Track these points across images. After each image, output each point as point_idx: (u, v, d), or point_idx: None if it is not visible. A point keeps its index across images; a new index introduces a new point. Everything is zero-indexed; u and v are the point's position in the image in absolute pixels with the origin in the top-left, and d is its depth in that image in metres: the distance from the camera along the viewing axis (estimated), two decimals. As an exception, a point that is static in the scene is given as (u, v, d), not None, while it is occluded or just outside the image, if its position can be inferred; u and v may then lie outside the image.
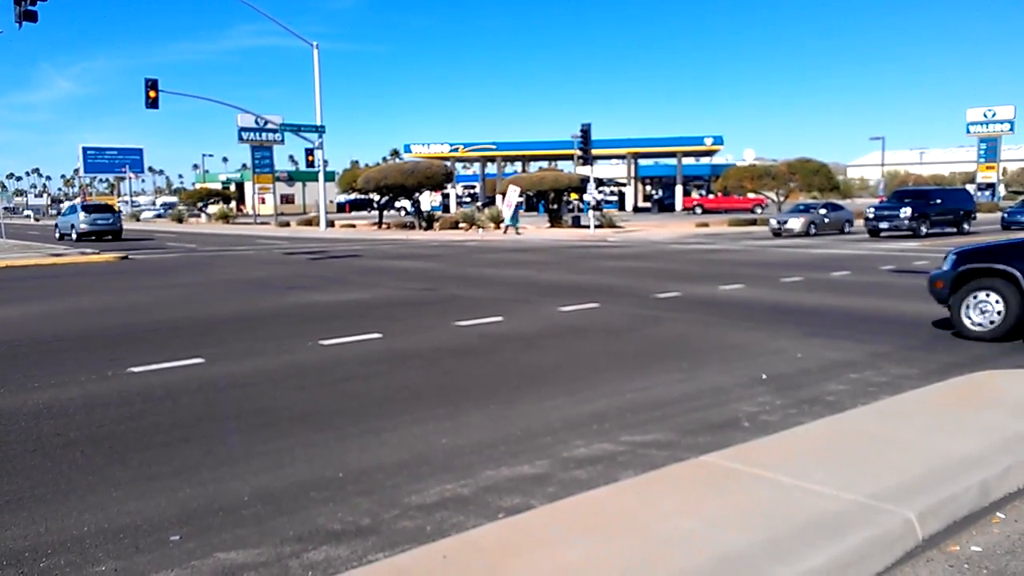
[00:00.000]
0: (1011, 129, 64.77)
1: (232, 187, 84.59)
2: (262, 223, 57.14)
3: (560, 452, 5.53)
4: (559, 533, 3.83)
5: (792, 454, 4.93)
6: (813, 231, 32.73)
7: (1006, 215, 36.62)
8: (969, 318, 9.33)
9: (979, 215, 36.73)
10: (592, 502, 4.28)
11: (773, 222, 33.81)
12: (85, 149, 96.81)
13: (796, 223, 32.71)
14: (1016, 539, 4.06)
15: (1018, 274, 8.95)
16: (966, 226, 32.56)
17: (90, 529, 4.35)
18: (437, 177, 45.00)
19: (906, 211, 30.20)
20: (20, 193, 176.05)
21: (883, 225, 30.70)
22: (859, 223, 34.80)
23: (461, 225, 42.78)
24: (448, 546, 3.79)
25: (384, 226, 46.02)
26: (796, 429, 5.65)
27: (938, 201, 31.93)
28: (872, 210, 32.03)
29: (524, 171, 71.77)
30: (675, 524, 3.90)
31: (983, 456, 4.80)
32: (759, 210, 56.04)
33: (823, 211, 34.27)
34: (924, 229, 30.46)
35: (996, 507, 4.42)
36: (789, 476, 4.49)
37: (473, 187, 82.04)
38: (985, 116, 65.24)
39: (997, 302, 9.09)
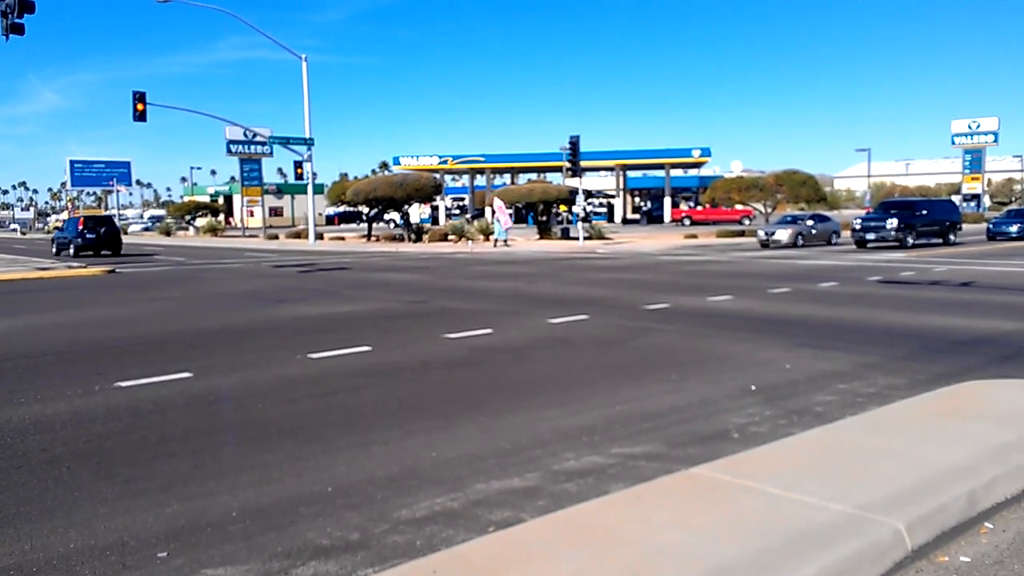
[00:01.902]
0: (995, 140, 65.40)
1: (220, 200, 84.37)
2: (251, 236, 57.00)
3: (550, 465, 5.52)
4: (550, 547, 3.82)
5: (781, 465, 4.94)
6: (800, 242, 32.90)
7: (991, 226, 36.92)
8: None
9: (965, 226, 37.00)
10: (582, 515, 4.27)
11: (761, 233, 33.96)
12: (72, 162, 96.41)
13: (784, 234, 32.89)
14: (1004, 549, 4.08)
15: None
16: (952, 237, 32.77)
17: (76, 546, 4.31)
18: (426, 189, 45.04)
19: (892, 222, 30.37)
20: (6, 207, 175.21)
21: (870, 236, 30.87)
22: (846, 234, 35.05)
23: (450, 237, 42.80)
24: (438, 561, 3.77)
25: (373, 239, 45.99)
26: (785, 440, 5.66)
27: (924, 212, 32.15)
28: (859, 221, 32.18)
29: (513, 183, 71.91)
30: (666, 536, 3.89)
31: (971, 466, 4.83)
32: (747, 221, 56.32)
33: (810, 222, 34.46)
34: (910, 240, 30.62)
35: (984, 517, 4.44)
36: (778, 487, 4.50)
37: (462, 199, 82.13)
38: (970, 127, 65.86)
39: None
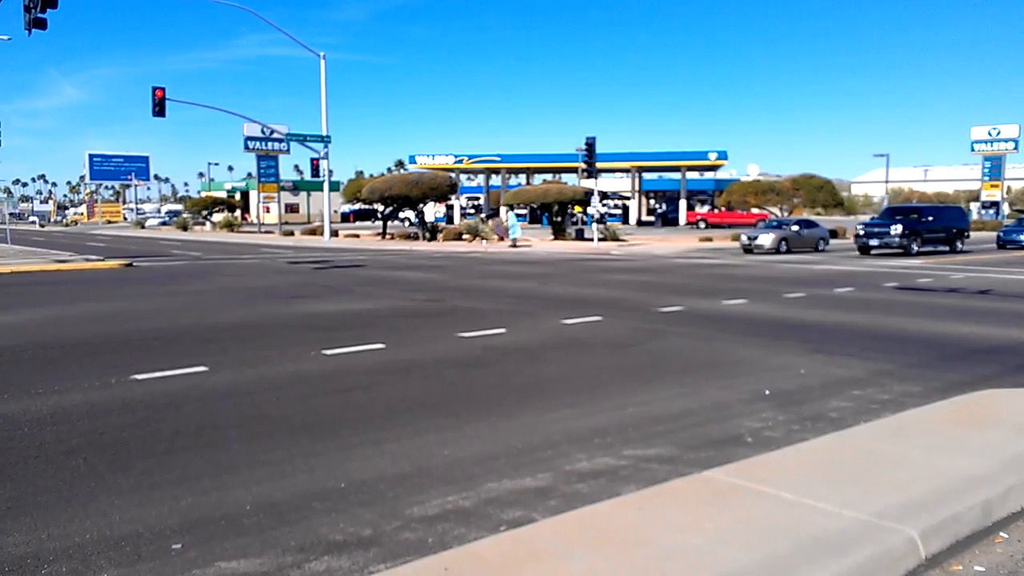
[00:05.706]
0: (1015, 148, 64.68)
1: (237, 196, 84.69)
2: (266, 232, 57.26)
3: (562, 465, 5.53)
4: (561, 547, 3.83)
5: (795, 470, 4.92)
6: (784, 248, 31.90)
7: (1001, 234, 36.05)
8: None
9: (979, 233, 36.55)
10: (594, 516, 4.28)
11: (744, 237, 32.81)
12: (91, 156, 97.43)
13: (767, 239, 31.91)
14: (1019, 559, 4.05)
15: None
16: (959, 244, 31.97)
17: (92, 536, 4.36)
18: (441, 188, 45.09)
19: (897, 228, 29.61)
20: (26, 199, 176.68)
21: (873, 242, 30.07)
22: (847, 241, 34.25)
23: (465, 236, 42.83)
24: (450, 558, 3.78)
25: (388, 236, 46.11)
26: (799, 445, 5.64)
27: (930, 218, 31.33)
28: (862, 227, 31.24)
29: (528, 183, 71.94)
30: (677, 540, 3.89)
31: (986, 475, 4.79)
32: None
33: (796, 228, 33.33)
34: (915, 247, 29.89)
35: (999, 527, 4.41)
36: (791, 493, 4.48)
37: (477, 199, 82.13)
38: (990, 134, 65.22)
39: None
